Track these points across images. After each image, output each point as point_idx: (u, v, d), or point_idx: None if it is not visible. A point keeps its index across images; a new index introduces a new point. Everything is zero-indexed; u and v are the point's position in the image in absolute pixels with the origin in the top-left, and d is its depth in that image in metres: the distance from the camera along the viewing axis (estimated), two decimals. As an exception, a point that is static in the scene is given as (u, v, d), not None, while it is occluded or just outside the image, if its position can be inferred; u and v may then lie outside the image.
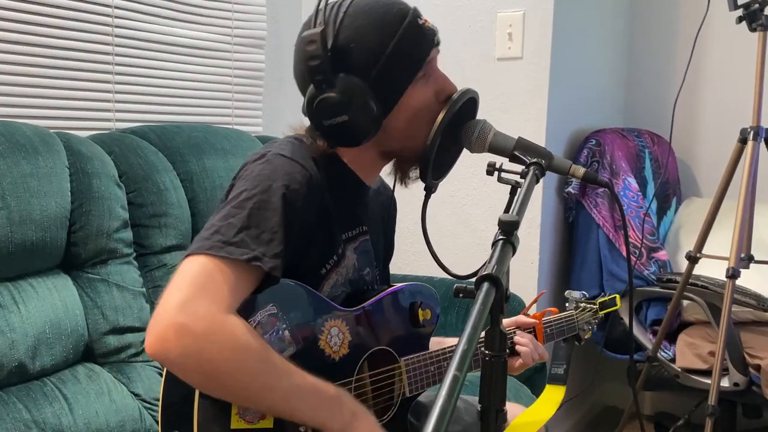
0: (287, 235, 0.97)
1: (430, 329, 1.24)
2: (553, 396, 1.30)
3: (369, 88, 1.05)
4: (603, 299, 1.51)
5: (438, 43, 1.12)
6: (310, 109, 1.06)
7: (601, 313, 1.50)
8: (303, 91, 1.11)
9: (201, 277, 0.91)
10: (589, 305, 1.48)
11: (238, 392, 0.93)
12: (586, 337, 1.47)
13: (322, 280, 1.10)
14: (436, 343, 1.25)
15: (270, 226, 0.96)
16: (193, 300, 0.89)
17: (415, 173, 1.16)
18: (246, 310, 0.96)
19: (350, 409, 0.99)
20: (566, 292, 1.51)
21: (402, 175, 1.17)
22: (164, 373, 0.99)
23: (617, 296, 1.55)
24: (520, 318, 1.34)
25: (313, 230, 1.05)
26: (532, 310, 1.39)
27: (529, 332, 1.32)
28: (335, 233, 1.11)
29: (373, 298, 1.15)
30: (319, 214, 1.06)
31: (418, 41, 1.09)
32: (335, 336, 1.07)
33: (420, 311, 1.20)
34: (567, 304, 1.49)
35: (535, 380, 1.91)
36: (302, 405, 0.95)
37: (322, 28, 1.03)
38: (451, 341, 1.24)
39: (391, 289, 1.18)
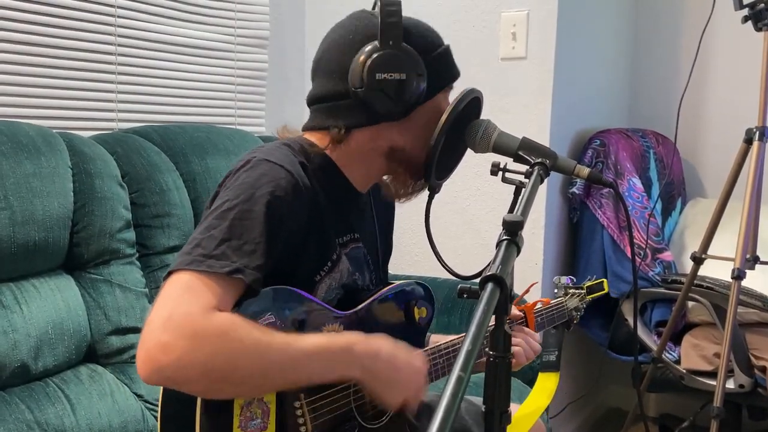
0: (270, 245, 0.96)
1: (426, 327, 1.23)
2: (546, 384, 1.30)
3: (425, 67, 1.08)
4: (590, 283, 1.52)
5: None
6: (363, 64, 1.04)
7: (588, 297, 1.50)
8: (341, 57, 1.08)
9: (182, 291, 0.90)
10: (576, 290, 1.49)
11: (246, 382, 0.91)
12: (575, 322, 1.48)
13: (317, 285, 1.09)
14: (434, 340, 1.24)
15: (252, 237, 0.94)
16: (173, 314, 0.87)
17: (411, 187, 1.16)
18: None
19: (365, 352, 0.98)
20: (554, 279, 1.50)
21: (397, 186, 1.16)
22: (161, 389, 0.98)
23: (604, 280, 1.55)
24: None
25: (302, 237, 1.04)
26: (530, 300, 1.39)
27: (521, 323, 1.31)
28: (329, 238, 1.11)
29: (369, 299, 1.15)
30: (309, 220, 1.04)
31: (452, 64, 1.16)
32: None
33: (415, 309, 1.20)
34: (555, 291, 1.48)
35: (539, 382, 1.90)
36: (314, 368, 0.94)
37: None
38: (448, 338, 1.23)
39: (385, 289, 1.18)
